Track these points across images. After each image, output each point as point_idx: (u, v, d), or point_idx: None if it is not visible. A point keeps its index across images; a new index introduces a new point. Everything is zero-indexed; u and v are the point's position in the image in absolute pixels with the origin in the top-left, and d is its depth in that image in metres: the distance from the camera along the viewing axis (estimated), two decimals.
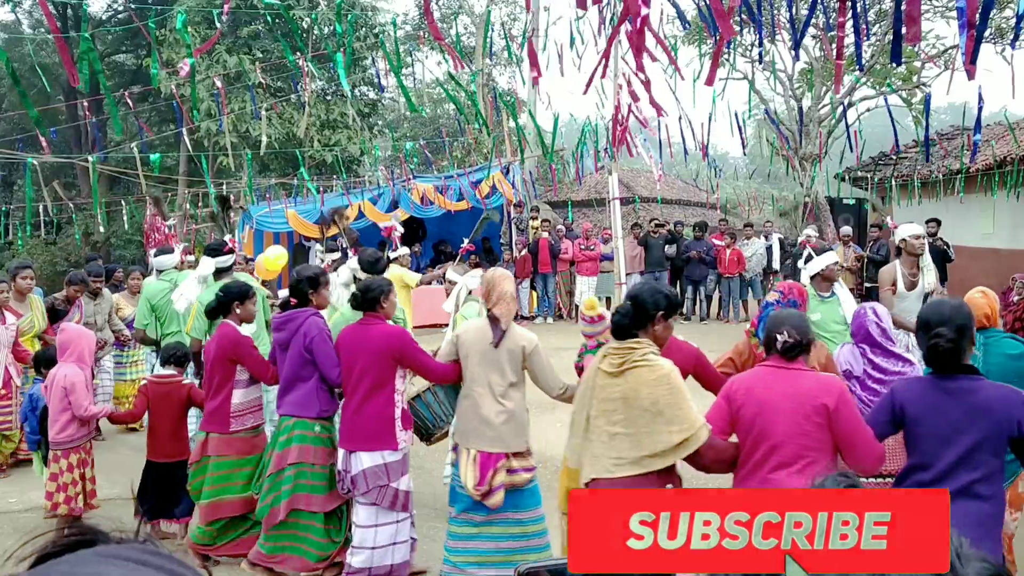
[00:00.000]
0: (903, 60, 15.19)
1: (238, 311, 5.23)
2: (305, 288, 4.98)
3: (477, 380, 4.51)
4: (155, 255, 8.01)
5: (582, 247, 14.94)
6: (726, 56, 16.33)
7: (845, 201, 19.24)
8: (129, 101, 11.02)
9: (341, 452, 4.73)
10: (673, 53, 11.83)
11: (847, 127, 10.69)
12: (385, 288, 4.80)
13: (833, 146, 18.26)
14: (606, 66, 5.14)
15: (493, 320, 4.54)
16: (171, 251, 8.00)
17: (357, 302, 4.78)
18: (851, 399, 3.41)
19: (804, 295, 4.97)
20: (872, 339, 4.42)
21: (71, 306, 7.99)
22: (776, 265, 14.82)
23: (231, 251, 6.69)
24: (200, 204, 18.88)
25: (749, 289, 15.13)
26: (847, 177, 19.12)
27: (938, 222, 12.43)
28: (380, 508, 4.67)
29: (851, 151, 10.73)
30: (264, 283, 9.59)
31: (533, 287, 15.18)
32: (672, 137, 15.23)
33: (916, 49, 15.63)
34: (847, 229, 14.61)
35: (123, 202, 18.02)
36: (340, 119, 21.16)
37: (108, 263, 16.95)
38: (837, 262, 6.09)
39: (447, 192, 15.48)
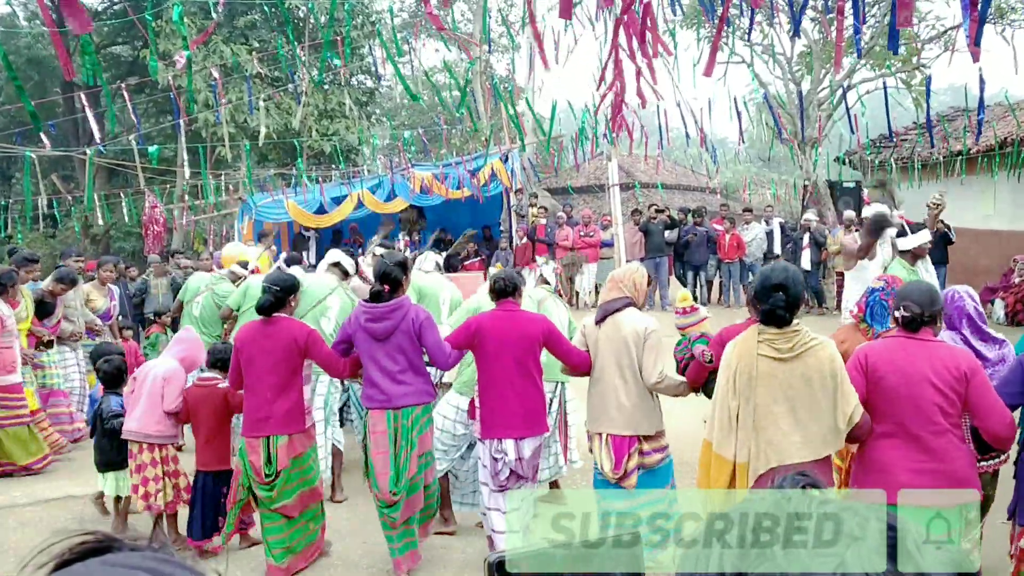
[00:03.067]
0: (902, 43, 15.13)
1: (292, 304, 5.06)
2: (399, 276, 4.88)
3: (606, 366, 4.63)
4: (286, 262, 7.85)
5: (582, 234, 14.92)
6: (725, 39, 16.27)
7: (845, 184, 19.19)
8: (126, 93, 10.96)
9: (507, 441, 4.74)
10: (671, 38, 11.78)
11: (847, 110, 10.65)
12: (522, 281, 4.99)
13: (833, 129, 18.20)
14: (617, 57, 5.10)
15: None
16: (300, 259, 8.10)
17: (498, 289, 4.84)
18: (981, 367, 3.57)
19: (900, 282, 5.14)
20: (974, 324, 4.54)
21: (56, 300, 7.84)
22: (777, 249, 14.79)
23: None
24: (200, 196, 18.83)
25: (750, 274, 15.11)
26: (847, 160, 19.07)
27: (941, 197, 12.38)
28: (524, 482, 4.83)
29: (852, 133, 10.70)
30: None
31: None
32: (672, 122, 15.21)
33: (915, 31, 15.57)
34: (850, 213, 14.56)
35: (122, 194, 17.97)
36: (338, 108, 21.08)
37: (107, 255, 16.90)
38: (930, 240, 6.29)
39: (445, 180, 15.44)
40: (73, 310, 8.04)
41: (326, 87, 21.11)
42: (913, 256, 6.18)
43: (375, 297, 4.82)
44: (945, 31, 17.24)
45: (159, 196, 17.43)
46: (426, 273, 6.68)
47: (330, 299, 6.28)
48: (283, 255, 8.67)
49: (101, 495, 5.90)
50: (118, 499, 5.71)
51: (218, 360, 5.45)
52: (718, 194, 22.55)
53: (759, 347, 3.56)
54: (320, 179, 16.84)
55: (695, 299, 14.81)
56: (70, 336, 8.03)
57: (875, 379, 3.54)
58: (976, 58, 4.56)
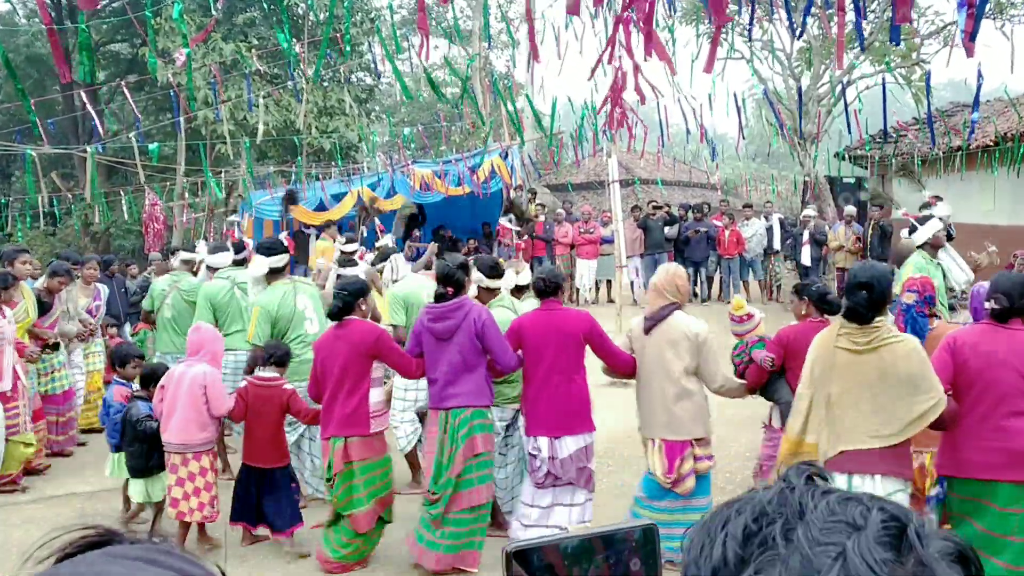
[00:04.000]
0: (903, 37, 15.12)
1: (363, 308, 5.03)
2: (461, 277, 4.89)
3: (655, 372, 4.69)
4: (209, 252, 7.57)
5: (582, 230, 14.91)
6: (724, 35, 16.24)
7: (845, 180, 19.19)
8: (126, 91, 10.95)
9: (542, 439, 4.80)
10: (670, 34, 11.77)
11: (846, 106, 10.64)
12: (563, 278, 5.04)
13: (832, 125, 18.19)
14: (612, 53, 5.12)
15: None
16: (226, 248, 7.53)
17: (541, 287, 4.89)
18: None
19: (932, 285, 5.38)
20: None
21: (53, 297, 7.51)
22: (777, 245, 14.80)
23: (287, 250, 6.33)
24: (199, 193, 18.84)
25: (750, 270, 15.12)
26: (847, 156, 19.06)
27: (939, 198, 12.39)
28: (557, 489, 4.83)
29: (850, 131, 10.69)
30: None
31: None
32: (672, 118, 15.20)
33: (915, 26, 15.55)
34: (851, 208, 14.58)
35: (121, 192, 17.98)
36: (337, 105, 21.07)
37: (108, 253, 16.91)
38: (943, 228, 6.34)
39: (445, 177, 15.44)
40: (64, 313, 7.63)
41: (325, 84, 21.10)
42: (932, 248, 6.21)
43: (439, 299, 4.86)
44: (944, 26, 17.21)
45: (159, 194, 17.43)
46: (400, 281, 6.59)
47: (299, 300, 6.08)
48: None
49: (140, 505, 5.70)
50: (141, 506, 5.64)
51: (273, 357, 5.33)
52: (719, 190, 22.53)
53: (838, 340, 3.78)
54: (320, 176, 16.83)
55: (695, 295, 14.95)
56: (77, 336, 7.76)
57: (961, 361, 3.79)
58: (971, 53, 4.57)
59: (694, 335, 4.65)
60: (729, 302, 14.47)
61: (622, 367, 4.85)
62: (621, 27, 4.88)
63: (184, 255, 8.07)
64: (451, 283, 4.83)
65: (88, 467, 7.27)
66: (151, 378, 5.49)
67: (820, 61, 17.78)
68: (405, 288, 6.26)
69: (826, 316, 4.88)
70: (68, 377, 7.64)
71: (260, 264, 6.08)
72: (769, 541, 0.64)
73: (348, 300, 4.91)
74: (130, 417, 5.42)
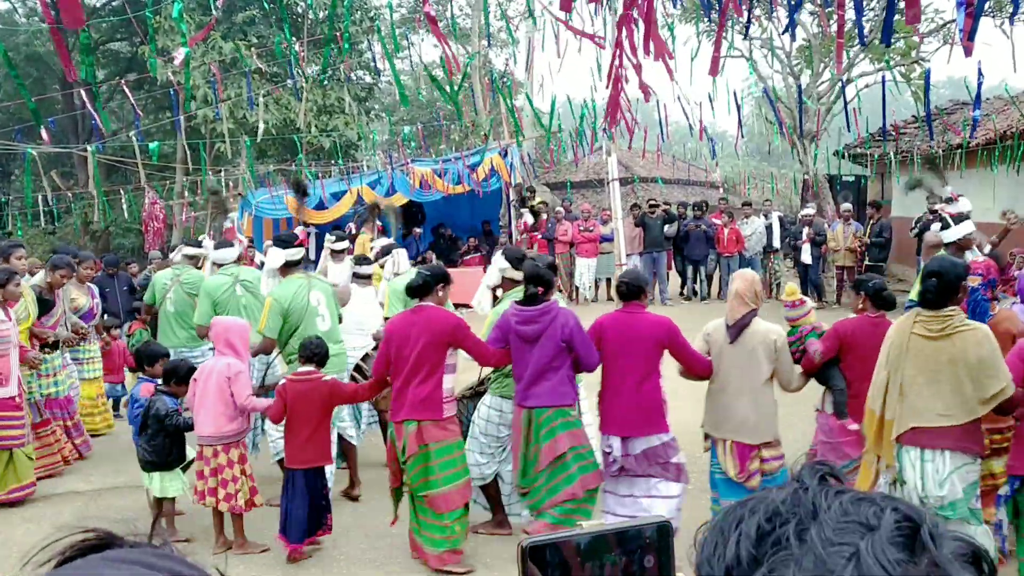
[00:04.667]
0: (901, 36, 15.12)
1: (440, 294, 5.05)
2: (550, 277, 4.96)
3: (732, 375, 4.82)
4: (215, 248, 7.48)
5: (581, 229, 14.91)
6: (724, 34, 16.24)
7: (845, 178, 19.20)
8: (126, 89, 10.94)
9: (614, 438, 4.92)
10: (670, 32, 11.77)
11: (845, 104, 10.64)
12: (647, 282, 5.12)
13: (832, 123, 18.19)
14: (621, 56, 5.11)
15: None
16: (230, 244, 7.47)
17: (623, 291, 4.97)
18: None
19: (996, 269, 5.69)
20: None
21: (55, 294, 7.17)
22: (776, 244, 14.79)
23: (302, 244, 6.28)
24: (198, 191, 18.85)
25: (749, 268, 15.10)
26: (846, 154, 19.06)
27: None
28: (640, 479, 4.94)
29: (850, 129, 10.69)
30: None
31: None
32: (671, 116, 15.19)
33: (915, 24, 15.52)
34: (847, 206, 14.58)
35: (121, 191, 17.99)
36: (337, 104, 21.07)
37: (107, 252, 16.91)
38: (973, 231, 6.40)
39: (445, 175, 15.45)
40: (65, 305, 7.38)
41: (324, 83, 21.10)
42: (958, 248, 6.18)
43: (530, 300, 4.91)
44: (944, 24, 17.21)
45: (159, 192, 17.43)
46: (401, 275, 6.69)
47: (312, 296, 6.03)
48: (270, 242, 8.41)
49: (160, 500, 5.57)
50: (159, 500, 5.59)
51: (313, 355, 5.24)
52: (720, 188, 22.54)
53: (914, 327, 4.06)
54: (320, 175, 16.83)
55: (694, 293, 14.96)
56: (64, 342, 7.32)
57: None
58: (969, 52, 4.58)
59: (773, 341, 4.80)
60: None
61: (700, 371, 4.95)
62: (623, 25, 4.88)
63: (188, 250, 7.99)
64: (541, 283, 4.90)
65: (90, 466, 7.27)
66: (173, 374, 5.47)
67: (820, 59, 17.78)
68: (405, 282, 6.30)
69: (882, 312, 4.97)
70: (71, 377, 7.47)
71: (276, 256, 6.05)
72: (782, 541, 0.65)
73: (428, 281, 4.94)
74: (156, 412, 5.33)
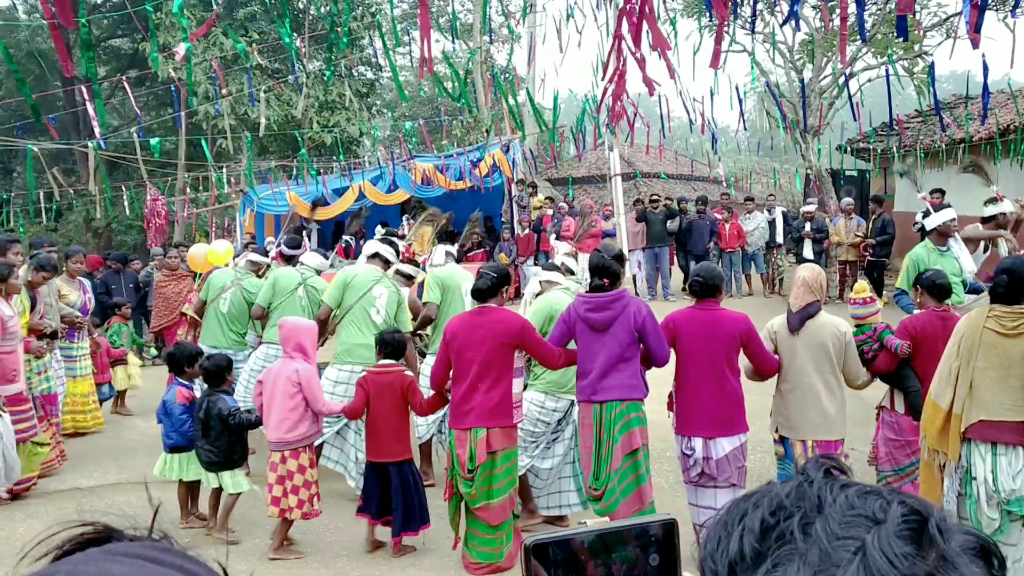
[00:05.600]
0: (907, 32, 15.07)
1: (504, 296, 4.93)
2: (617, 269, 4.76)
3: (805, 371, 4.74)
4: (294, 248, 7.73)
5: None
6: (726, 28, 16.19)
7: (848, 173, 19.15)
8: (127, 86, 10.94)
9: (696, 440, 4.70)
10: (672, 26, 11.73)
11: (849, 98, 10.61)
12: (722, 278, 4.96)
13: (834, 117, 18.15)
14: (619, 50, 5.09)
15: (789, 310, 4.86)
16: (318, 253, 7.78)
17: (697, 288, 4.80)
18: None
19: None
20: None
21: (36, 292, 7.03)
22: (779, 239, 14.77)
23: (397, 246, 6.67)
24: (200, 188, 18.84)
25: (752, 263, 15.10)
26: (849, 148, 19.02)
27: (942, 192, 12.37)
28: (737, 488, 4.76)
29: (854, 121, 10.65)
30: (194, 275, 9.55)
31: (536, 265, 15.15)
32: (673, 111, 15.16)
33: (918, 17, 15.51)
34: (848, 200, 14.56)
35: (123, 187, 17.98)
36: (338, 99, 21.05)
37: (109, 248, 16.91)
38: (955, 218, 6.44)
39: (447, 171, 15.42)
40: (49, 307, 7.22)
41: (325, 78, 21.09)
42: (939, 235, 6.29)
43: (595, 290, 4.73)
44: (947, 18, 17.17)
45: (161, 188, 17.42)
46: (440, 266, 6.72)
47: (376, 289, 6.22)
48: (282, 236, 8.44)
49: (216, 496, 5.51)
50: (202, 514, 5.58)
51: (391, 349, 5.19)
52: (723, 182, 22.49)
53: (987, 321, 4.06)
54: (321, 171, 16.81)
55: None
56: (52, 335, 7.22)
57: None
58: (976, 44, 4.56)
59: (842, 334, 4.75)
60: (731, 295, 14.56)
61: (770, 368, 4.85)
62: (624, 19, 4.86)
63: (253, 256, 8.00)
64: (607, 274, 4.71)
65: (91, 462, 7.28)
66: (217, 374, 5.38)
67: (822, 54, 17.74)
68: (444, 272, 6.54)
69: (945, 305, 4.94)
70: (58, 374, 7.38)
71: (371, 245, 6.52)
72: (787, 535, 0.64)
73: (495, 281, 4.81)
74: (219, 412, 5.23)
